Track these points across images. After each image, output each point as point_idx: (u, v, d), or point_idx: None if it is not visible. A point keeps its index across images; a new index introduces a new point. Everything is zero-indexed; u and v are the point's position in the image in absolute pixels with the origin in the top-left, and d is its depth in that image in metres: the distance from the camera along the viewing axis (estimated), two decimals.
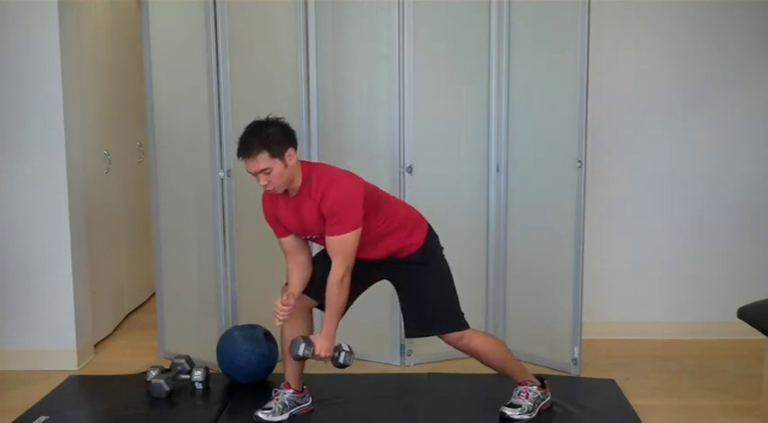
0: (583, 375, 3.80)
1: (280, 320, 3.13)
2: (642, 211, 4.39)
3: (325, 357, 3.11)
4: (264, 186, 3.02)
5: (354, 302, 3.32)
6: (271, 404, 3.29)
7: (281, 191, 3.05)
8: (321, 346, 3.08)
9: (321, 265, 3.22)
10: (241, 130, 3.03)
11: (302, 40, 3.96)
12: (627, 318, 4.40)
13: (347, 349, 3.14)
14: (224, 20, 3.69)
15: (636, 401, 3.47)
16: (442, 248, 3.25)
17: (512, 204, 4.02)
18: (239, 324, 3.82)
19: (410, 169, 3.85)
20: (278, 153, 2.96)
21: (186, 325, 4.08)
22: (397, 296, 3.32)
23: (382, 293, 3.53)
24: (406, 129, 3.85)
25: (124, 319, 4.86)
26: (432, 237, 3.23)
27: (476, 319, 3.37)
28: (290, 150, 3.00)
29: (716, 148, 4.35)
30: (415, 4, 3.77)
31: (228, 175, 3.77)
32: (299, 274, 3.19)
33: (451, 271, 3.25)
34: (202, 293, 4.00)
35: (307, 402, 3.39)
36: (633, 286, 4.41)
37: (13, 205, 3.91)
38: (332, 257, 3.05)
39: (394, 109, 3.85)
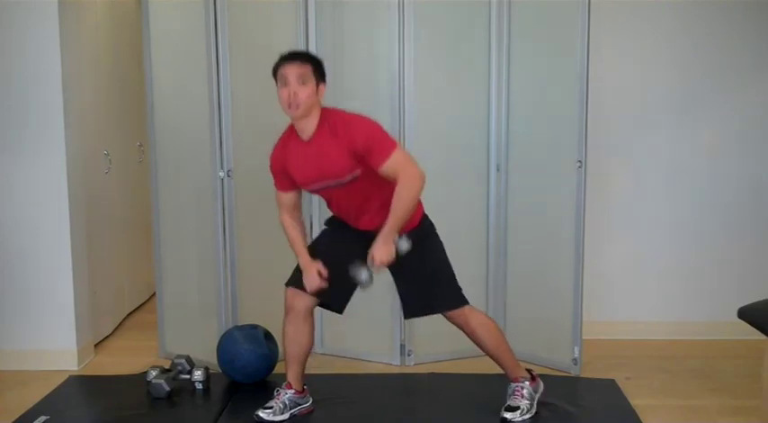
0: (583, 375, 3.80)
1: (313, 289, 3.14)
2: (642, 210, 4.39)
3: (385, 263, 3.00)
4: (288, 102, 3.01)
5: (354, 302, 3.32)
6: (272, 403, 3.28)
7: (298, 115, 3.04)
8: (380, 254, 2.98)
9: (323, 262, 3.21)
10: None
11: (302, 39, 3.97)
12: (627, 318, 4.40)
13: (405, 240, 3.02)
14: (224, 20, 3.69)
15: (636, 401, 3.47)
16: (434, 227, 3.26)
17: (512, 204, 4.02)
18: (239, 324, 3.83)
19: None
20: (318, 76, 3.06)
21: (186, 325, 4.08)
22: (395, 290, 3.30)
23: (382, 293, 3.53)
24: (406, 128, 3.84)
25: (124, 319, 4.86)
26: (426, 216, 3.25)
27: None
28: (323, 86, 3.09)
29: (716, 148, 4.35)
30: (415, 3, 3.77)
31: (228, 175, 3.76)
32: (297, 232, 3.25)
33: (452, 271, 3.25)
34: (202, 293, 3.99)
35: (307, 402, 3.38)
36: (633, 286, 4.41)
37: (13, 205, 3.91)
38: (398, 176, 2.97)
39: (394, 108, 3.85)
